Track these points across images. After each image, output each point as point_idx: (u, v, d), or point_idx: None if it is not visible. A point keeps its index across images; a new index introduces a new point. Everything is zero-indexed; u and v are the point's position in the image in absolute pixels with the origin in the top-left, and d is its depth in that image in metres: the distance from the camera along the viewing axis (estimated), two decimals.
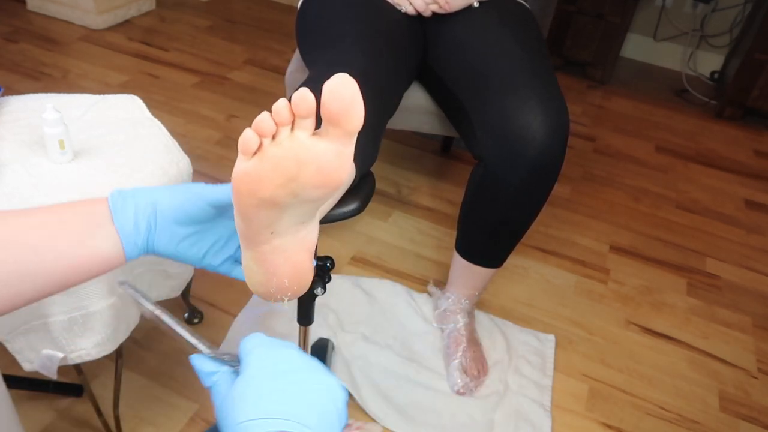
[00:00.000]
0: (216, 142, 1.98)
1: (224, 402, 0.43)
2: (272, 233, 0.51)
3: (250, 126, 0.45)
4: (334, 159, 0.45)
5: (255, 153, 0.46)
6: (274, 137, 0.45)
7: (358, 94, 0.43)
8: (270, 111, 0.44)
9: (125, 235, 0.51)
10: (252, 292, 0.58)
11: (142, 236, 0.51)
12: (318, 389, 0.42)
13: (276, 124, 0.44)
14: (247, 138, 0.44)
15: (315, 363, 0.44)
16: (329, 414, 0.41)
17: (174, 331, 0.48)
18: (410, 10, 1.21)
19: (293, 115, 0.44)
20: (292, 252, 0.54)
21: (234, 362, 0.46)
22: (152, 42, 2.52)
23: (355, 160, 0.78)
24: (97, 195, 0.91)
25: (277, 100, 0.45)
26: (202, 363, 0.46)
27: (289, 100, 0.44)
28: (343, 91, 0.42)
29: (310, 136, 0.44)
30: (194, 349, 0.48)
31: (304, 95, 0.43)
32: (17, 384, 1.15)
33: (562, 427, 1.27)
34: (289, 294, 0.58)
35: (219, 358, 0.47)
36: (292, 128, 0.45)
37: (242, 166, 0.47)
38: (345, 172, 0.46)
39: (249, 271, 0.56)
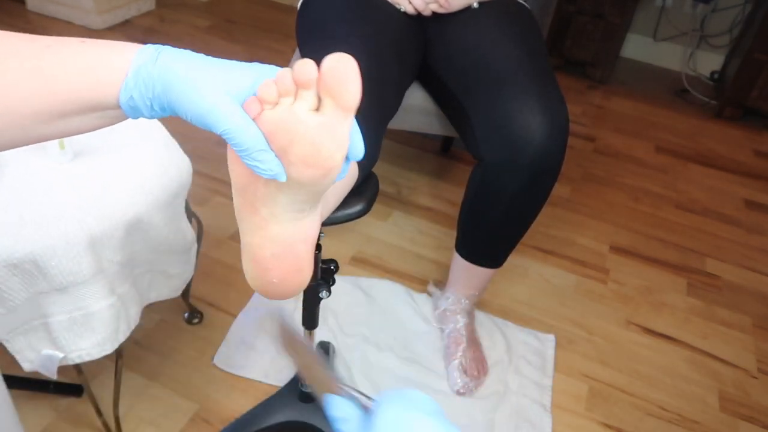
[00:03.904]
0: (216, 142, 1.98)
1: None
2: (271, 215, 0.51)
3: None
4: (327, 135, 0.44)
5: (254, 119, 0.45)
6: (274, 106, 0.45)
7: (356, 69, 0.43)
8: None
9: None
10: (254, 290, 0.57)
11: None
12: None
13: (278, 93, 0.44)
14: (248, 103, 0.44)
15: None
16: None
17: (317, 364, 0.46)
18: (409, 9, 1.21)
19: (296, 85, 0.44)
20: (292, 242, 0.53)
21: (369, 400, 0.43)
22: (152, 42, 2.51)
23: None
24: (97, 195, 0.92)
25: None
26: (335, 407, 0.43)
27: None
28: (341, 66, 0.43)
29: (308, 110, 0.44)
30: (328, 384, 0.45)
31: (306, 63, 0.43)
32: (17, 384, 1.16)
33: (562, 427, 1.27)
34: (291, 288, 0.57)
35: (353, 399, 0.44)
36: (294, 100, 0.45)
37: None
38: (338, 152, 0.45)
39: (248, 265, 0.56)
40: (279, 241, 0.52)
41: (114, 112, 0.46)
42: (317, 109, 0.44)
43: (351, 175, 0.80)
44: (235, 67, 0.45)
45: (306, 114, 0.44)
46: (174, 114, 0.45)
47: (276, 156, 0.45)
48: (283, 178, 0.45)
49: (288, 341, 0.49)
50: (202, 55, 0.45)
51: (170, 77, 0.43)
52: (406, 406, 0.41)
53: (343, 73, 0.43)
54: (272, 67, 0.45)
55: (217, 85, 0.43)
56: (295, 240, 0.53)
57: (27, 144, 0.46)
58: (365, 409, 0.43)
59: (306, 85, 0.43)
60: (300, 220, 0.52)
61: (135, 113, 0.45)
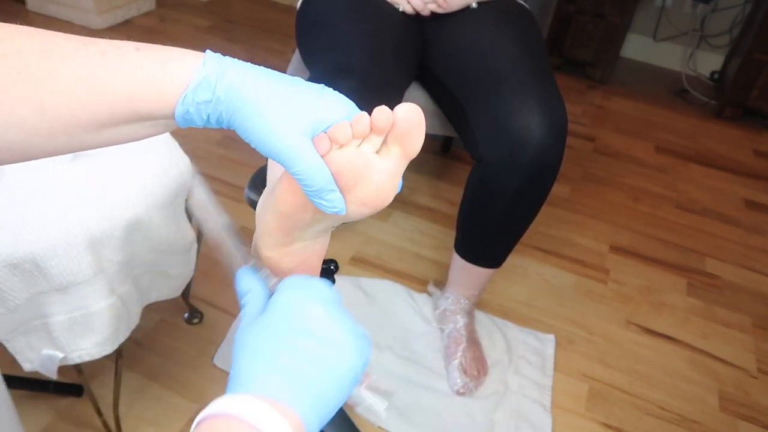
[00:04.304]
0: (216, 142, 1.98)
1: (239, 335, 0.42)
2: (300, 236, 0.52)
3: None
4: (389, 180, 0.46)
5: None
6: (342, 146, 0.45)
7: (423, 120, 0.45)
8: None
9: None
10: None
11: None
12: (327, 365, 0.40)
13: (353, 135, 0.44)
14: (318, 140, 0.43)
15: (337, 330, 0.42)
16: (329, 395, 0.40)
17: (224, 242, 0.48)
18: (408, 9, 1.21)
19: (371, 129, 0.44)
20: (309, 256, 0.55)
21: (272, 280, 0.46)
22: (152, 42, 2.52)
23: None
24: (97, 195, 0.92)
25: None
26: (241, 278, 0.46)
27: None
28: (411, 116, 0.44)
29: (373, 153, 0.45)
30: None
31: (385, 111, 0.44)
32: (17, 384, 1.16)
33: (562, 427, 1.27)
34: None
35: (261, 275, 0.46)
36: (361, 142, 0.45)
37: None
38: (393, 195, 0.48)
39: None
40: (299, 256, 0.54)
41: (166, 122, 0.45)
42: (377, 152, 0.46)
43: None
44: (309, 97, 0.43)
45: (373, 156, 0.45)
46: (230, 129, 0.44)
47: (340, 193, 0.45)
48: (344, 213, 0.46)
49: (204, 214, 0.50)
50: (266, 73, 0.43)
51: (237, 101, 0.41)
52: (303, 291, 0.44)
53: (414, 123, 0.44)
54: (346, 100, 0.45)
55: (290, 120, 0.42)
56: (312, 254, 0.55)
57: (71, 151, 0.45)
58: (270, 291, 0.45)
59: (382, 131, 0.44)
60: (319, 238, 0.54)
61: (187, 124, 0.44)
